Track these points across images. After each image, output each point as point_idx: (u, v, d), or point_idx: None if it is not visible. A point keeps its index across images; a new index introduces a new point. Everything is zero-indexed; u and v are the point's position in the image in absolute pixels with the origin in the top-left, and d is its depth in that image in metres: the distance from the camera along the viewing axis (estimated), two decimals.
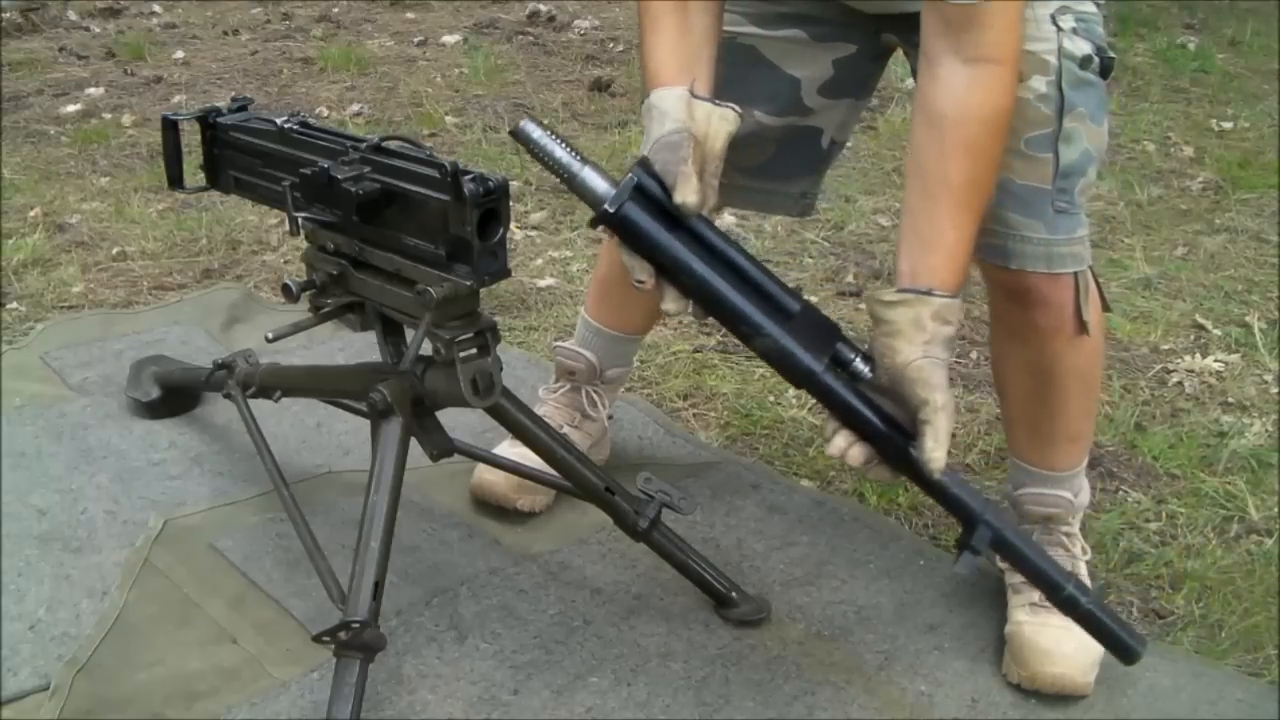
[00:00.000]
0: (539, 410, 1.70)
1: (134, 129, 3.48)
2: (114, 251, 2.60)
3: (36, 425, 1.90)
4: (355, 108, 3.65)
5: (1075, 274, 1.38)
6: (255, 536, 1.65)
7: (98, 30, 4.67)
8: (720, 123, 1.22)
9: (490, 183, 1.24)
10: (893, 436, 1.19)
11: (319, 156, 1.38)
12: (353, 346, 2.16)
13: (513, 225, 2.09)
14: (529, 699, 1.40)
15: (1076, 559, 1.52)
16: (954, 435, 1.95)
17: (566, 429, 1.74)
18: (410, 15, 4.97)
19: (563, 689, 1.41)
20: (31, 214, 2.78)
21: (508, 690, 1.41)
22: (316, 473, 1.81)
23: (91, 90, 3.83)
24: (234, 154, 1.54)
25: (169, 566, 1.58)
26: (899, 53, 1.52)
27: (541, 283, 2.52)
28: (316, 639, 1.26)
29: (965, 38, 1.18)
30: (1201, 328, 2.41)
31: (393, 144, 1.35)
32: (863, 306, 1.32)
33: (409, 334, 1.38)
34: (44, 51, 4.32)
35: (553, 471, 1.55)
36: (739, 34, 1.49)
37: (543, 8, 4.90)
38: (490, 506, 1.72)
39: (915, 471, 1.19)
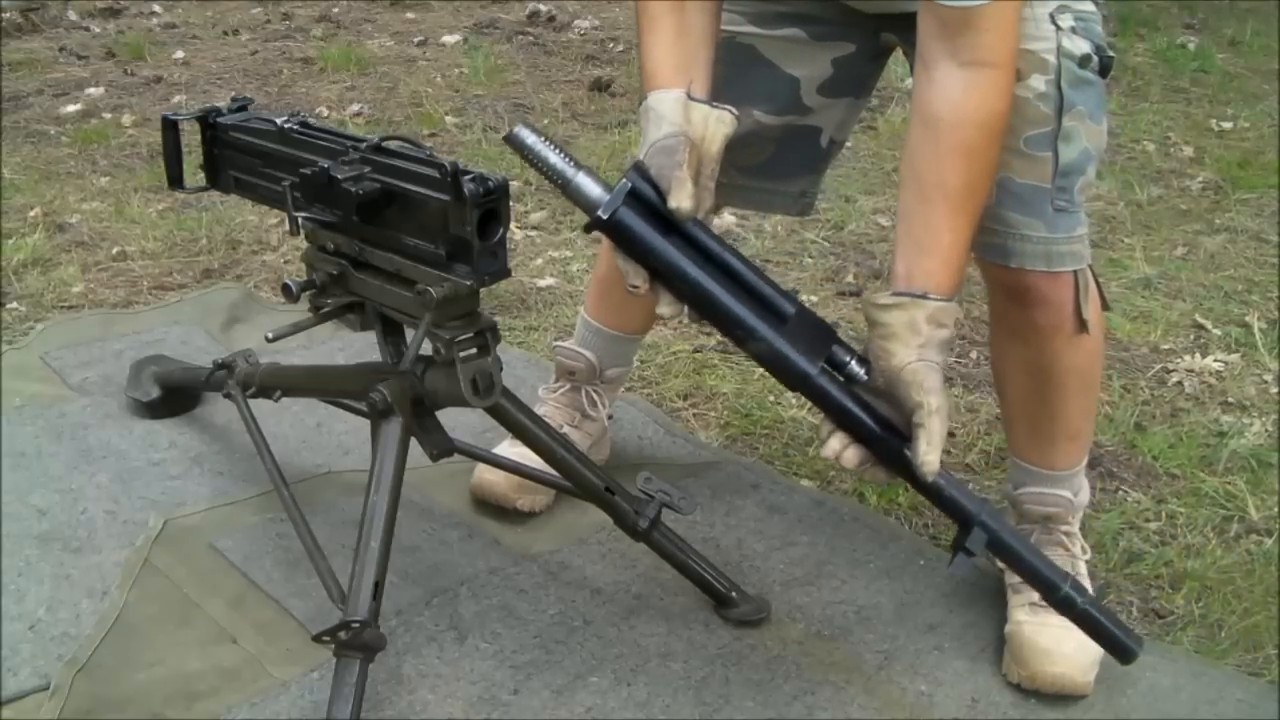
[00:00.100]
0: (539, 410, 1.70)
1: (134, 129, 3.48)
2: (114, 251, 2.60)
3: (36, 425, 1.90)
4: (355, 108, 3.65)
5: (1075, 272, 1.38)
6: (255, 536, 1.65)
7: (98, 30, 4.67)
8: (717, 125, 1.22)
9: (490, 183, 1.24)
10: (887, 439, 1.19)
11: (319, 156, 1.38)
12: (353, 346, 2.16)
13: (513, 225, 2.09)
14: (529, 699, 1.39)
15: (1076, 559, 1.52)
16: (954, 435, 1.97)
17: (566, 429, 1.74)
18: (410, 15, 4.97)
19: (563, 689, 1.41)
20: (31, 214, 2.78)
21: (508, 690, 1.41)
22: (316, 473, 1.81)
23: (91, 90, 3.83)
24: (234, 154, 1.54)
25: (169, 566, 1.58)
26: (898, 52, 1.52)
27: (541, 283, 2.52)
28: (316, 639, 1.26)
29: (961, 41, 1.18)
30: (1201, 328, 2.41)
31: (393, 144, 1.35)
32: (861, 306, 1.32)
33: (409, 334, 1.38)
34: (44, 51, 4.32)
35: (553, 471, 1.55)
36: (738, 33, 1.49)
37: (543, 8, 4.90)
38: (490, 506, 1.72)
39: (910, 473, 1.19)
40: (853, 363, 1.21)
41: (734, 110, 1.24)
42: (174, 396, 1.94)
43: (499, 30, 4.69)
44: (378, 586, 1.27)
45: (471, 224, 1.24)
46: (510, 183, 1.28)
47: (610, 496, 1.49)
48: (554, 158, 1.19)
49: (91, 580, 1.56)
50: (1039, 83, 1.31)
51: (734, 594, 1.54)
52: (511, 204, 1.28)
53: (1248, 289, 2.59)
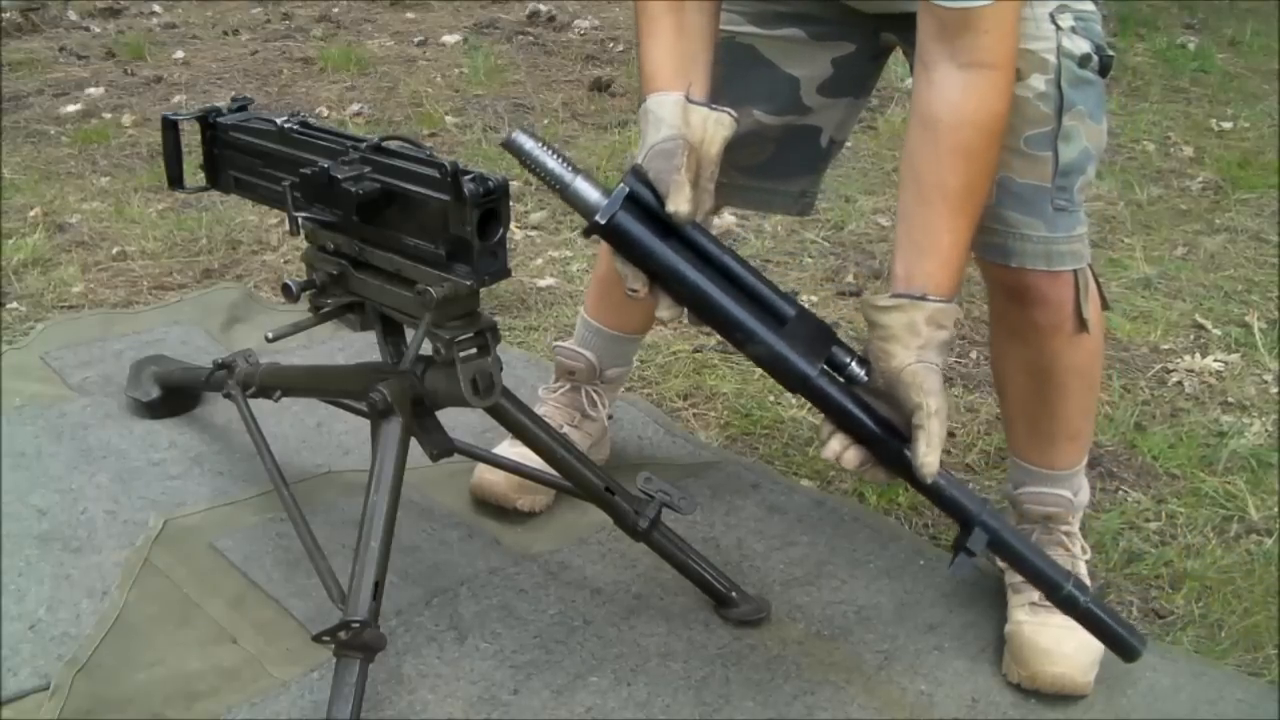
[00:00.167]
0: (539, 410, 1.70)
1: (134, 129, 3.48)
2: (114, 251, 2.60)
3: (36, 425, 1.90)
4: (355, 108, 3.65)
5: (1075, 272, 1.38)
6: (255, 536, 1.65)
7: (98, 30, 4.67)
8: (716, 127, 1.22)
9: (490, 183, 1.24)
10: (887, 440, 1.19)
11: (319, 156, 1.38)
12: (353, 346, 2.16)
13: (513, 225, 2.09)
14: (529, 699, 1.39)
15: (1076, 558, 1.52)
16: (954, 435, 1.97)
17: (566, 429, 1.74)
18: (410, 15, 4.97)
19: (563, 689, 1.41)
20: (31, 214, 2.78)
21: (508, 690, 1.41)
22: (316, 473, 1.81)
23: (91, 90, 3.83)
24: (234, 154, 1.54)
25: (169, 566, 1.58)
26: (898, 52, 1.52)
27: (541, 283, 2.52)
28: (316, 639, 1.26)
29: (960, 42, 1.18)
30: (1201, 328, 2.41)
31: (393, 144, 1.35)
32: (860, 307, 1.32)
33: (409, 334, 1.38)
34: (44, 51, 4.32)
35: (553, 471, 1.55)
36: (738, 33, 1.49)
37: (543, 8, 4.90)
38: (490, 506, 1.72)
39: (911, 474, 1.19)
40: (853, 364, 1.21)
41: (733, 112, 1.24)
42: (174, 396, 1.94)
43: (499, 30, 4.69)
44: (378, 586, 1.27)
45: (471, 224, 1.24)
46: (510, 183, 1.28)
47: (610, 496, 1.49)
48: (552, 163, 1.19)
49: (91, 580, 1.56)
50: (1039, 82, 1.31)
51: (734, 594, 1.54)
52: (511, 204, 1.28)
53: (1248, 289, 2.59)
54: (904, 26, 1.35)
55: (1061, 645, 1.42)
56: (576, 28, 4.74)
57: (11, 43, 4.39)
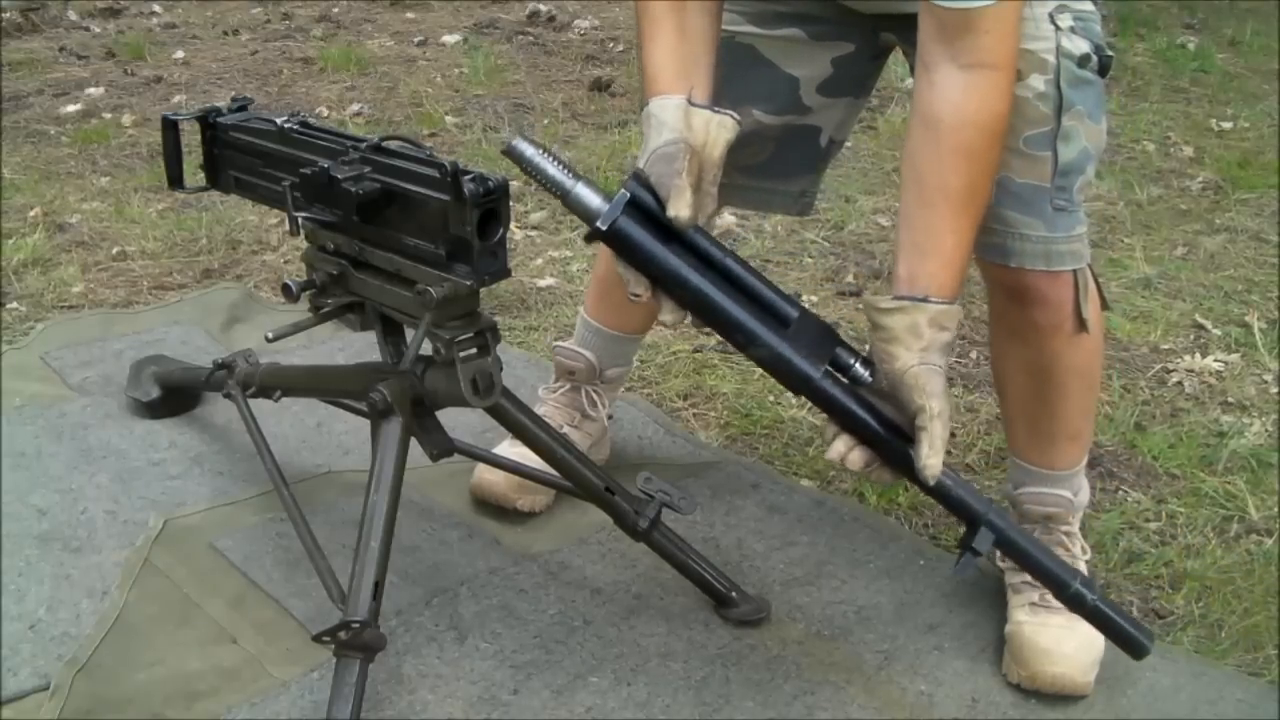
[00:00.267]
0: (539, 410, 1.70)
1: (134, 129, 3.48)
2: (114, 251, 2.60)
3: (36, 425, 1.90)
4: (355, 108, 3.65)
5: (1074, 272, 1.38)
6: (255, 536, 1.65)
7: (98, 30, 4.68)
8: (719, 130, 1.22)
9: (490, 183, 1.24)
10: (892, 441, 1.19)
11: (319, 156, 1.38)
12: (353, 346, 2.16)
13: (513, 225, 2.09)
14: (529, 699, 1.40)
15: (1076, 558, 1.52)
16: (954, 435, 1.96)
17: (566, 429, 1.74)
18: (410, 15, 4.97)
19: (563, 689, 1.41)
20: (31, 214, 2.78)
21: (508, 690, 1.41)
22: (316, 473, 1.81)
23: (91, 90, 3.83)
24: (234, 154, 1.54)
25: (169, 566, 1.58)
26: (898, 52, 1.52)
27: (541, 283, 2.52)
28: (316, 639, 1.27)
29: (961, 43, 1.18)
30: (1201, 328, 2.41)
31: (393, 144, 1.35)
32: (862, 307, 1.32)
33: (409, 334, 1.38)
34: (44, 51, 4.32)
35: (553, 471, 1.55)
36: (737, 33, 1.49)
37: (543, 8, 4.90)
38: (490, 506, 1.72)
39: (916, 475, 1.19)
40: (857, 365, 1.22)
41: (736, 115, 1.24)
42: (174, 396, 1.94)
43: (499, 30, 4.69)
44: (378, 586, 1.27)
45: (471, 224, 1.24)
46: (510, 183, 1.28)
47: (610, 496, 1.49)
48: (552, 169, 1.20)
49: (91, 580, 1.56)
50: (1038, 82, 1.31)
51: (734, 594, 1.54)
52: (511, 204, 1.28)
53: (1248, 289, 2.59)
54: (903, 27, 1.35)
55: (1061, 645, 1.42)
56: (576, 28, 4.74)
57: (11, 43, 4.39)
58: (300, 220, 1.37)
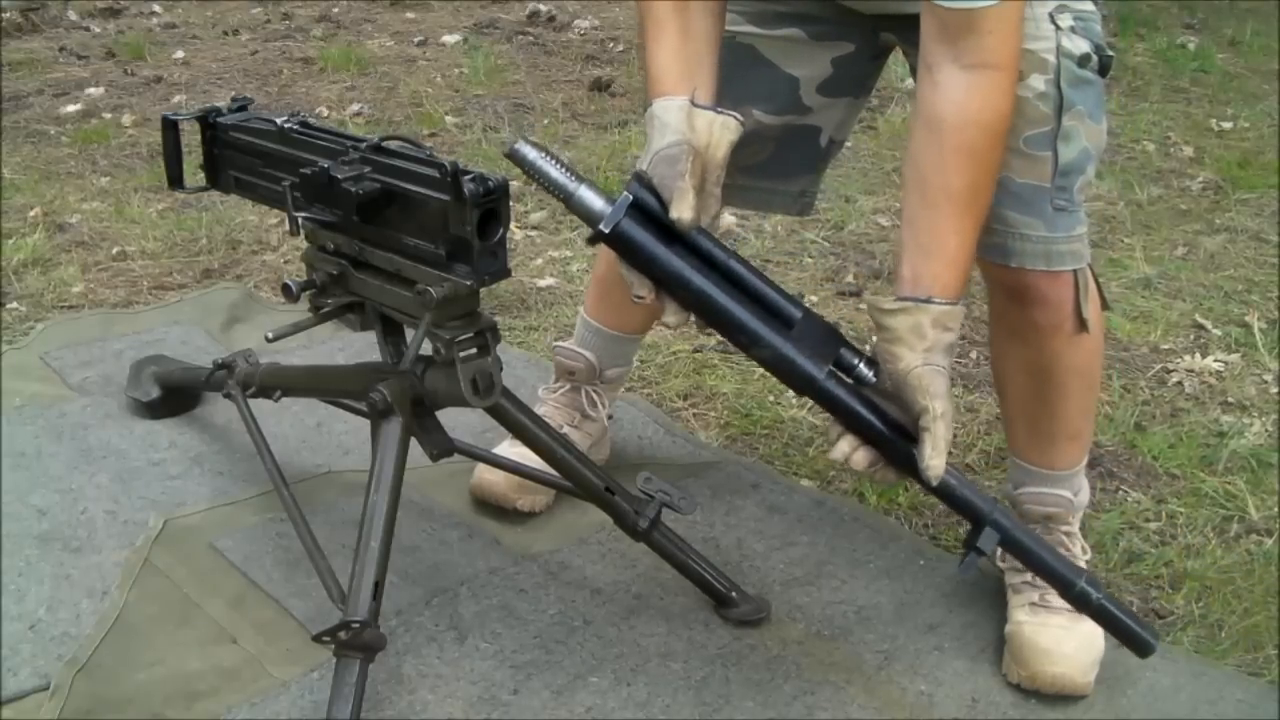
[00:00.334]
0: (539, 410, 1.70)
1: (134, 129, 3.48)
2: (114, 251, 2.60)
3: (36, 425, 1.90)
4: (355, 108, 3.65)
5: (1074, 272, 1.38)
6: (255, 536, 1.65)
7: (98, 30, 4.67)
8: (722, 132, 1.22)
9: (490, 183, 1.24)
10: (896, 441, 1.19)
11: (319, 156, 1.38)
12: (353, 346, 2.16)
13: (513, 225, 2.09)
14: (529, 699, 1.39)
15: (1077, 559, 1.52)
16: (954, 435, 1.96)
17: (566, 429, 1.74)
18: (410, 15, 4.97)
19: (563, 689, 1.41)
20: (31, 214, 2.78)
21: (508, 690, 1.41)
22: (316, 473, 1.81)
23: (91, 90, 3.83)
24: (234, 154, 1.54)
25: (169, 566, 1.58)
26: (898, 52, 1.52)
27: (541, 283, 2.52)
28: (316, 639, 1.27)
29: (964, 43, 1.18)
30: (1201, 328, 2.41)
31: (393, 144, 1.35)
32: (863, 306, 1.32)
33: (409, 334, 1.38)
34: (44, 51, 4.32)
35: (553, 471, 1.55)
36: (738, 33, 1.49)
37: (543, 8, 4.90)
38: (490, 506, 1.72)
39: (920, 475, 1.19)
40: (861, 365, 1.22)
41: (739, 116, 1.24)
42: (174, 396, 1.94)
43: (499, 30, 4.69)
44: (378, 586, 1.27)
45: (471, 224, 1.24)
46: (510, 183, 1.28)
47: (610, 496, 1.49)
48: (555, 172, 1.20)
49: (91, 580, 1.56)
50: (1038, 82, 1.31)
51: (734, 594, 1.54)
52: (511, 204, 1.28)
53: (1248, 289, 2.59)
54: (904, 27, 1.35)
55: (1061, 645, 1.42)
56: (576, 28, 4.74)
57: (11, 43, 4.39)
58: (300, 220, 1.37)
